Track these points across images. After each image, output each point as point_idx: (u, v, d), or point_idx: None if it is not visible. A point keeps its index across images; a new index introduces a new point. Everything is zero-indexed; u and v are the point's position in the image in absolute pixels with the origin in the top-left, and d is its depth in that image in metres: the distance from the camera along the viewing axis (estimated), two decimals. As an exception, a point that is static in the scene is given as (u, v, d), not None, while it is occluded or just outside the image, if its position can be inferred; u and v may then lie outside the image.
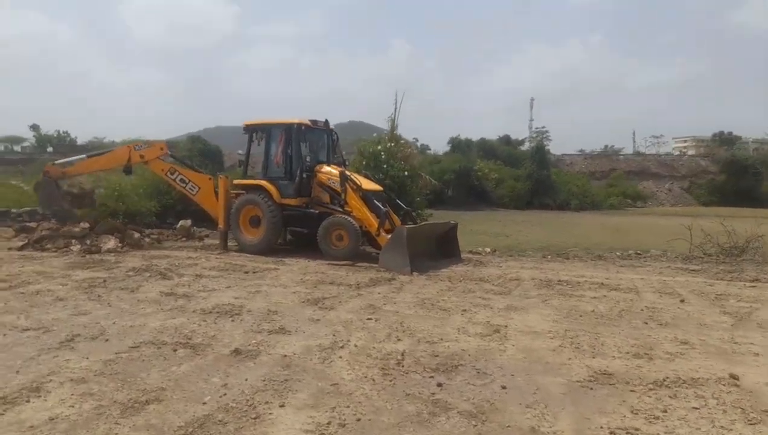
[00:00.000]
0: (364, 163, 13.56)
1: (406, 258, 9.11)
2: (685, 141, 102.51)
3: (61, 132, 60.90)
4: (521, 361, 4.67)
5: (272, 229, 10.81)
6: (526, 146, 66.99)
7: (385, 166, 12.99)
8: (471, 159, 42.49)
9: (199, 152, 31.78)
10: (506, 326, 5.75)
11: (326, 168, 11.05)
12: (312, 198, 11.03)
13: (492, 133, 67.29)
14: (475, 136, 51.25)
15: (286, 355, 4.70)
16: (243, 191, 11.38)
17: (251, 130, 11.48)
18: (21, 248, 10.08)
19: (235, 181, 11.66)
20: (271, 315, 6.18)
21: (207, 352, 4.80)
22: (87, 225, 11.26)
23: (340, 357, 4.67)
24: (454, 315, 6.29)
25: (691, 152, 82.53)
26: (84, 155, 12.97)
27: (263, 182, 11.01)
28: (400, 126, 19.19)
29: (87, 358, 4.58)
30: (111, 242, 11.00)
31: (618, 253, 11.70)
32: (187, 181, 11.96)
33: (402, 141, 16.14)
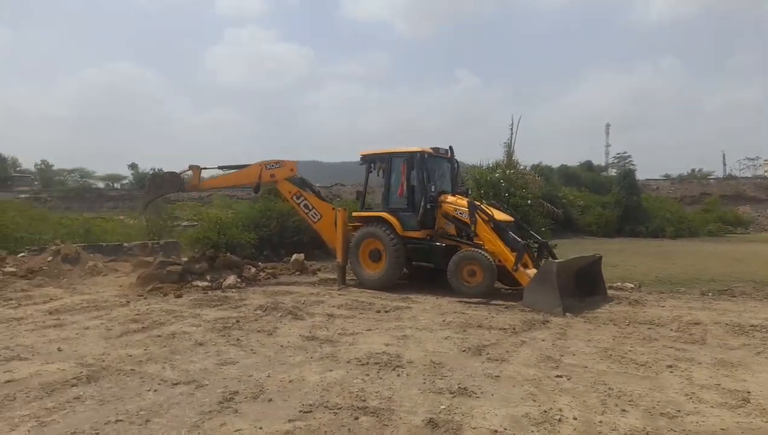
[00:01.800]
0: (482, 191, 12.61)
1: (557, 297, 8.02)
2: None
3: (156, 169, 64.73)
4: (818, 449, 3.50)
5: (395, 264, 10.07)
6: (609, 172, 63.96)
7: (506, 194, 11.98)
8: (554, 185, 40.89)
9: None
10: (749, 392, 4.54)
11: (451, 198, 10.24)
12: (436, 230, 10.21)
13: (569, 160, 64.45)
14: (553, 164, 48.95)
15: (496, 431, 3.79)
16: (362, 223, 10.77)
17: (369, 160, 10.92)
18: (149, 291, 9.90)
19: (354, 214, 11.08)
20: (438, 369, 5.32)
21: (394, 421, 3.99)
22: (204, 263, 11.02)
23: (568, 436, 3.70)
24: (663, 373, 5.15)
25: None
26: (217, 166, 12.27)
27: (384, 214, 10.35)
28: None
29: (260, 428, 3.89)
30: (231, 278, 10.68)
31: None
32: (310, 207, 11.42)
33: (520, 167, 15.12)
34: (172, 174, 11.81)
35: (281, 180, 11.50)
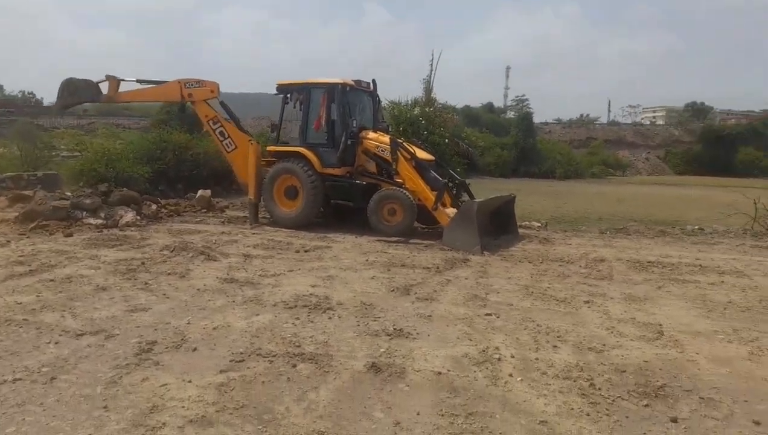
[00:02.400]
0: (401, 129, 12.35)
1: (476, 236, 8.15)
2: (655, 111, 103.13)
3: (26, 92, 57.70)
4: (728, 377, 3.81)
5: (313, 202, 9.69)
6: (507, 114, 66.57)
7: (424, 132, 11.82)
8: (458, 126, 41.74)
9: (176, 116, 29.92)
10: (661, 325, 4.88)
11: (372, 134, 9.91)
12: (356, 167, 9.91)
13: (471, 101, 65.91)
14: (456, 104, 49.76)
15: (440, 373, 3.74)
16: (277, 159, 10.19)
17: (285, 90, 10.20)
18: (32, 229, 8.74)
19: (269, 148, 10.42)
20: (370, 310, 5.20)
21: (335, 367, 3.81)
22: (97, 198, 9.92)
23: (510, 375, 3.73)
24: (582, 309, 5.40)
25: (660, 122, 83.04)
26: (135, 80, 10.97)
27: (302, 149, 9.82)
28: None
29: (189, 381, 3.54)
30: (129, 215, 9.75)
31: (679, 229, 10.95)
32: (226, 135, 10.57)
33: (439, 105, 14.95)
34: (87, 81, 10.56)
35: (199, 101, 10.57)
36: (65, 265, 6.71)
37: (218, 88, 10.72)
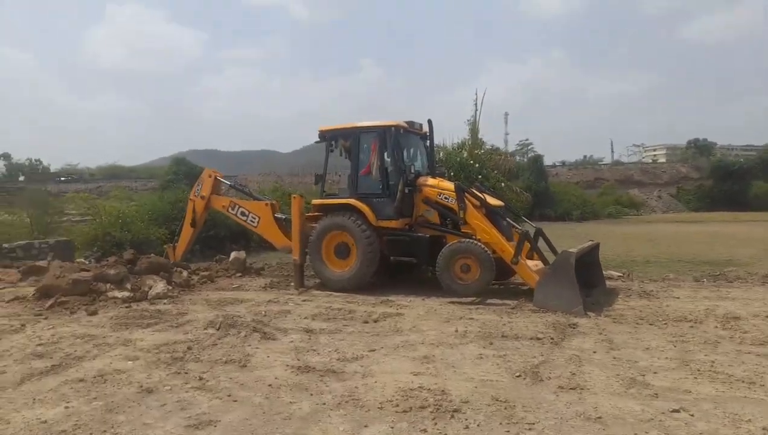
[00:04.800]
0: (451, 174, 11.23)
1: (577, 293, 6.88)
2: (656, 149, 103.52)
3: (33, 160, 57.79)
4: None
5: (368, 260, 8.45)
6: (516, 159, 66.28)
7: (479, 176, 10.67)
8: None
9: (184, 174, 29.47)
10: None
11: (432, 180, 8.78)
12: (416, 218, 8.72)
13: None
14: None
15: None
16: (323, 213, 9.04)
17: (330, 136, 9.16)
18: (50, 307, 7.52)
19: (314, 201, 9.29)
20: (511, 410, 3.88)
21: None
22: (122, 267, 8.70)
23: None
24: (789, 394, 4.06)
25: (662, 160, 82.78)
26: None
27: (353, 201, 8.67)
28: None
29: None
30: (159, 285, 8.50)
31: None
32: (247, 213, 9.99)
33: (488, 147, 13.91)
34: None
35: (210, 197, 10.28)
36: (95, 356, 5.43)
37: (216, 170, 10.68)
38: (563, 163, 72.77)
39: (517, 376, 4.60)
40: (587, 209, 41.10)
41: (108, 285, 8.45)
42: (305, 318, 6.95)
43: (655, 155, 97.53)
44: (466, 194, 8.21)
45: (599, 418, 3.70)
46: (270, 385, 4.50)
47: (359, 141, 8.83)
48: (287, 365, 5.03)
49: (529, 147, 79.52)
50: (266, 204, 10.02)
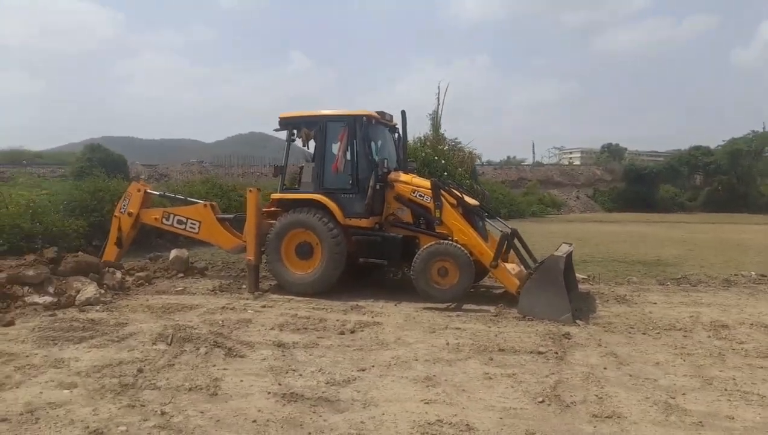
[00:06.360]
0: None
1: (566, 300, 6.49)
2: (571, 152, 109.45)
3: None
4: None
5: (335, 261, 7.68)
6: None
7: (444, 173, 10.12)
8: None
9: (100, 162, 27.16)
10: None
11: (405, 176, 8.12)
12: (386, 217, 8.04)
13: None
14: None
15: None
16: (283, 209, 8.16)
17: (292, 124, 8.27)
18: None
19: (273, 196, 8.37)
20: (554, 448, 3.32)
21: None
22: (43, 267, 7.39)
23: None
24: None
25: (576, 162, 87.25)
26: None
27: (319, 196, 7.85)
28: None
29: None
30: (89, 289, 7.29)
31: (740, 275, 9.77)
32: (185, 220, 8.90)
33: (452, 143, 13.33)
34: None
35: (140, 212, 9.09)
36: (18, 383, 4.37)
37: (142, 181, 9.90)
38: (489, 163, 74.75)
39: (540, 402, 4.06)
40: (514, 208, 42.27)
41: (26, 288, 7.16)
42: (271, 329, 6.10)
43: (571, 158, 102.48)
44: (443, 192, 7.64)
45: (655, 456, 3.21)
46: (255, 422, 3.69)
47: (326, 130, 8.01)
48: (268, 392, 4.23)
49: (458, 145, 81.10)
50: (205, 205, 9.00)
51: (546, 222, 32.08)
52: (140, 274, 8.78)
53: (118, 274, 8.26)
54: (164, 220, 9.04)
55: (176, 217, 8.98)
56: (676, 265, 11.77)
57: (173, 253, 9.51)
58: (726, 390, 4.30)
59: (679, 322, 6.44)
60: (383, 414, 3.81)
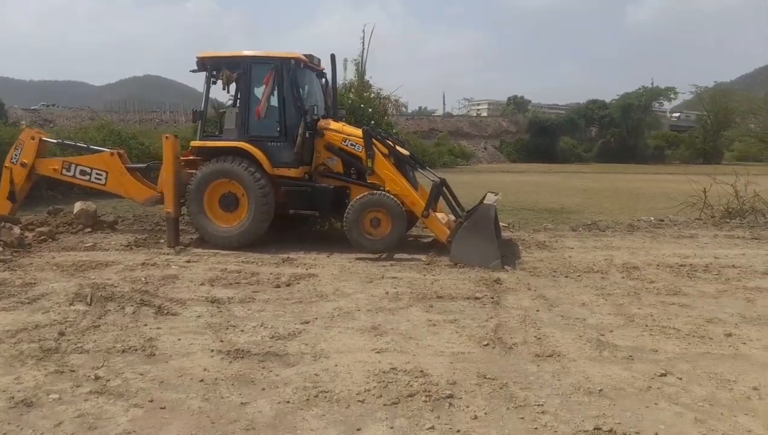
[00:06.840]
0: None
1: (495, 247, 6.72)
2: (479, 104, 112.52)
3: None
4: None
5: (263, 213, 7.38)
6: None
7: (371, 121, 9.93)
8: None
9: None
10: None
11: (335, 124, 7.87)
12: (316, 167, 7.80)
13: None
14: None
15: None
16: (204, 158, 7.67)
17: (211, 65, 7.67)
18: None
19: (193, 144, 7.80)
20: (506, 389, 3.47)
21: None
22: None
23: None
24: (739, 347, 4.25)
25: (484, 114, 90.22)
26: None
27: (244, 144, 7.42)
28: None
29: None
30: (-16, 246, 6.52)
31: (641, 221, 10.62)
32: (89, 170, 8.13)
33: (377, 90, 12.99)
34: None
35: (35, 162, 8.21)
36: None
37: (40, 132, 8.70)
38: (402, 114, 75.11)
39: (485, 345, 4.20)
40: (425, 158, 42.98)
41: None
42: (201, 284, 5.81)
43: (479, 109, 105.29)
44: (375, 141, 7.51)
45: (600, 391, 3.44)
46: (203, 381, 3.52)
47: (250, 73, 7.52)
48: (210, 350, 4.04)
49: (382, 93, 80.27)
50: (111, 154, 8.24)
51: (457, 172, 33.08)
52: (42, 229, 7.96)
53: (16, 230, 7.45)
54: (64, 171, 8.20)
55: (79, 168, 8.18)
56: (578, 212, 12.87)
57: (78, 205, 8.70)
58: (647, 326, 4.68)
59: (596, 265, 6.91)
60: (336, 365, 3.77)
